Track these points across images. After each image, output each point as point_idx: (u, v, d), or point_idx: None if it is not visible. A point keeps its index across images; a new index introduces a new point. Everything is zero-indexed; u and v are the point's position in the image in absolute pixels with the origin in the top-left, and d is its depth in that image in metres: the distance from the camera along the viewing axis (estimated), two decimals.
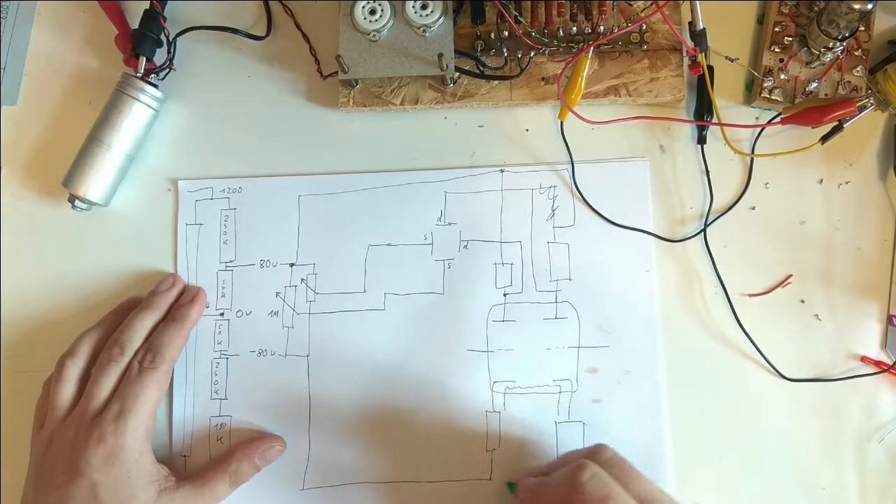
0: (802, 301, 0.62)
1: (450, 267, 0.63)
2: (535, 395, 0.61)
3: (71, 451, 0.55)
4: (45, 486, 0.55)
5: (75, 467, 0.54)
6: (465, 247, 0.63)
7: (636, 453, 0.59)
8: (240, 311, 0.63)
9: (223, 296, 0.64)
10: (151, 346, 0.59)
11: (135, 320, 0.60)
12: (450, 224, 0.63)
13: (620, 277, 0.62)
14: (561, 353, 0.61)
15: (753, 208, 0.63)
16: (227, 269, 0.64)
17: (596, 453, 0.52)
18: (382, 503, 0.60)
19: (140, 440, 0.56)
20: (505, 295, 0.62)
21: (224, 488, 0.58)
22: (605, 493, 0.48)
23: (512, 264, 0.63)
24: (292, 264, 0.64)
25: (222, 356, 0.63)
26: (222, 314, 0.63)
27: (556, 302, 0.62)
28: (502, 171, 0.64)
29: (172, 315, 0.61)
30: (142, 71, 0.64)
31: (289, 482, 0.61)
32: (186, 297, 0.62)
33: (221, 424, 0.62)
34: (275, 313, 0.63)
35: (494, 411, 0.61)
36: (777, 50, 0.62)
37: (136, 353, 0.58)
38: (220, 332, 0.63)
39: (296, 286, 0.63)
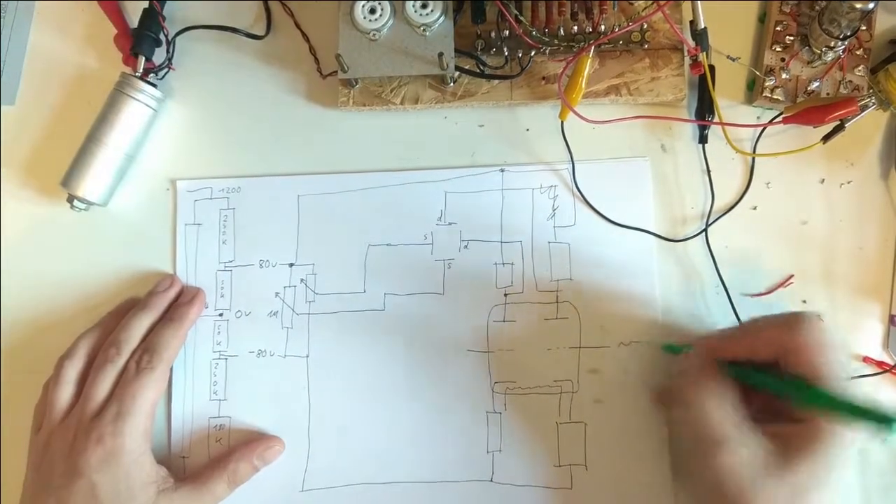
0: (804, 301, 0.62)
1: (450, 267, 0.63)
2: (536, 396, 0.61)
3: (70, 452, 0.55)
4: (44, 487, 0.55)
5: (74, 468, 0.54)
6: (466, 247, 0.63)
7: (638, 454, 0.59)
8: (239, 311, 0.63)
9: (222, 296, 0.63)
10: (148, 346, 0.58)
11: (132, 321, 0.60)
12: (450, 224, 0.63)
13: (622, 277, 0.62)
14: (562, 354, 0.61)
15: (755, 208, 0.63)
16: (226, 269, 0.64)
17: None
18: None
19: (139, 441, 0.56)
20: (505, 295, 0.62)
21: (223, 488, 0.58)
22: (826, 339, 0.50)
23: (512, 264, 0.62)
24: (291, 264, 0.63)
25: (221, 357, 0.62)
26: (221, 314, 0.63)
27: (557, 302, 0.62)
28: (503, 170, 0.64)
29: (171, 315, 0.61)
30: (141, 70, 0.64)
31: (289, 483, 0.60)
32: (185, 298, 0.62)
33: (220, 425, 0.62)
34: (274, 314, 0.63)
35: (495, 412, 0.60)
36: (778, 49, 0.62)
37: (133, 354, 0.58)
38: (219, 333, 0.63)
39: (295, 286, 0.63)
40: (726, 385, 0.52)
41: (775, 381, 0.51)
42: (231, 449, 0.60)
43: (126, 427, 0.55)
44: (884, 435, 0.45)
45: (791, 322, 0.51)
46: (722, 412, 0.51)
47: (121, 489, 0.54)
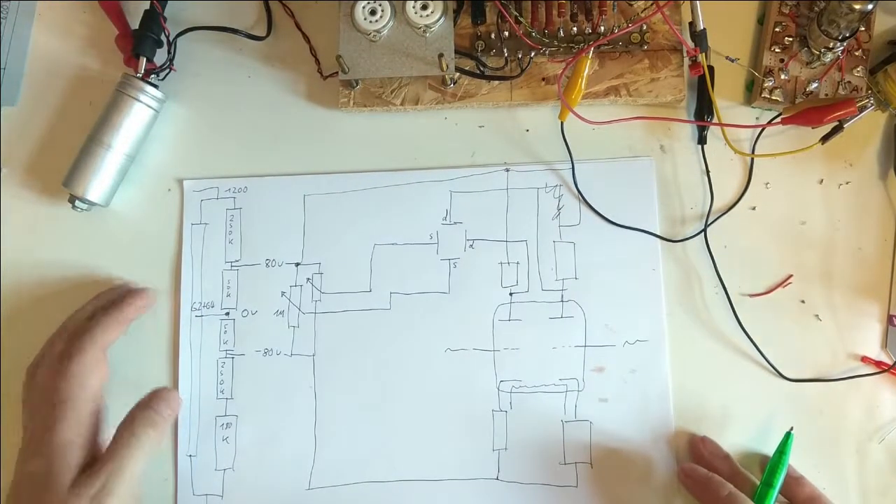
0: (803, 301, 0.62)
1: (455, 266, 0.63)
2: (541, 395, 0.61)
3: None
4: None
5: None
6: (471, 246, 0.63)
7: (641, 452, 0.59)
8: (245, 310, 0.63)
9: (228, 295, 0.63)
10: (84, 330, 0.58)
11: (78, 311, 0.61)
12: (455, 223, 0.63)
13: (627, 276, 0.62)
14: (567, 353, 0.61)
15: (754, 208, 0.63)
16: (233, 268, 0.64)
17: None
18: (389, 502, 0.60)
19: (83, 426, 0.54)
20: (511, 294, 0.62)
21: (134, 461, 0.54)
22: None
23: (518, 263, 0.63)
24: (298, 264, 0.63)
25: (228, 356, 0.62)
26: (228, 314, 0.63)
27: (562, 301, 0.62)
28: (508, 169, 0.64)
29: (114, 301, 0.61)
30: (142, 71, 0.64)
31: (295, 481, 0.61)
32: (133, 292, 0.62)
33: (227, 424, 0.61)
34: (280, 313, 0.63)
35: (501, 410, 0.61)
36: (777, 50, 0.63)
37: (73, 338, 0.58)
38: (225, 332, 0.63)
39: (301, 286, 0.63)
40: None
41: None
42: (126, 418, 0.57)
43: (65, 415, 0.54)
44: None
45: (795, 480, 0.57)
46: None
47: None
